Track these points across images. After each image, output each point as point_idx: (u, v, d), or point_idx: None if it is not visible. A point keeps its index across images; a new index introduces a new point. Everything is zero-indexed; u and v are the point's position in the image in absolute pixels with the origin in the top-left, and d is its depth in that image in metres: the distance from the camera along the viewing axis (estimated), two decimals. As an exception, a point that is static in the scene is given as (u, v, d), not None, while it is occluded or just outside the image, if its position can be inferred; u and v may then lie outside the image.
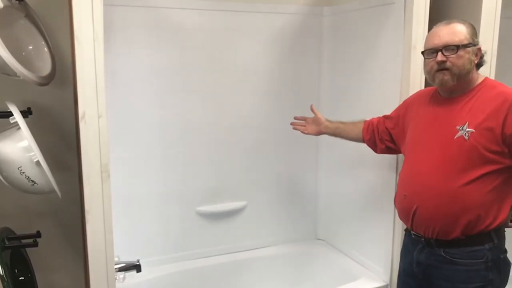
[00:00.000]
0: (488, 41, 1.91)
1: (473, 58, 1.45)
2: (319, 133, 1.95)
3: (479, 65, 1.49)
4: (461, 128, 1.43)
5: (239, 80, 2.25)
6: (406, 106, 1.73)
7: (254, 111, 2.31)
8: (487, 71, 1.93)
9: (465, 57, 1.43)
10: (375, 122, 1.85)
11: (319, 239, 2.59)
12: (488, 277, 1.45)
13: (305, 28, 2.33)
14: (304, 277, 2.47)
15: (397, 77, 1.90)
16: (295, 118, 1.98)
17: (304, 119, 1.97)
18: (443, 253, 1.49)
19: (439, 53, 1.43)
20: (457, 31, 1.43)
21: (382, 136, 1.80)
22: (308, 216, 2.56)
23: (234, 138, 2.29)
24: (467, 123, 1.42)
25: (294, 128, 1.99)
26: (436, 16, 1.85)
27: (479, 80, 1.49)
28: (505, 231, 1.51)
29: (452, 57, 1.42)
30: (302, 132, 1.97)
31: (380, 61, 2.03)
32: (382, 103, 1.99)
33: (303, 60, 2.37)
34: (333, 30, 2.33)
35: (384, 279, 2.06)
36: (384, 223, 2.03)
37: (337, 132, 1.92)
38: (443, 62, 1.43)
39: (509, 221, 1.49)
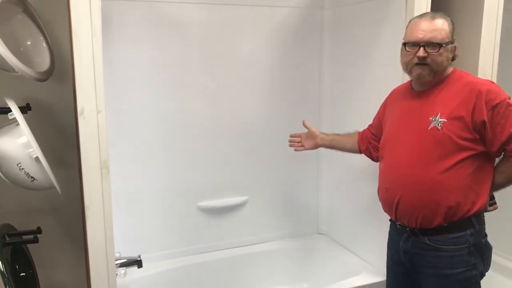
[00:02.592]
0: (491, 33, 1.89)
1: (450, 55, 1.51)
2: (315, 146, 1.97)
3: (452, 59, 1.54)
4: (433, 119, 1.48)
5: (240, 75, 2.24)
6: (384, 107, 1.79)
7: (254, 105, 2.30)
8: (490, 63, 1.92)
9: (444, 55, 1.48)
10: (366, 131, 1.89)
11: (320, 233, 2.59)
12: (471, 261, 1.50)
13: (306, 21, 2.32)
14: (305, 271, 2.47)
15: (398, 70, 1.87)
16: (290, 136, 2.00)
17: (299, 135, 1.99)
18: (427, 241, 1.54)
19: (421, 49, 1.47)
20: (440, 28, 1.47)
21: (374, 144, 1.85)
22: (310, 210, 2.56)
23: (235, 132, 2.28)
24: (439, 113, 1.48)
25: (290, 146, 2.00)
26: (438, 8, 1.83)
27: (449, 72, 1.54)
28: (484, 216, 1.56)
29: (434, 54, 1.47)
30: (297, 149, 1.98)
31: (381, 54, 2.01)
32: (384, 96, 1.98)
33: (304, 54, 2.36)
34: (334, 23, 2.32)
35: (384, 274, 2.05)
36: (385, 218, 2.02)
37: (333, 144, 1.95)
38: (424, 57, 1.47)
39: (487, 205, 1.55)
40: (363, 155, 1.92)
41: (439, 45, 1.46)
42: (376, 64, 2.05)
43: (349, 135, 1.95)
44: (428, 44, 1.46)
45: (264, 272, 2.40)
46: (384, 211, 1.69)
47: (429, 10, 1.81)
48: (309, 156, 2.48)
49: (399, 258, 1.66)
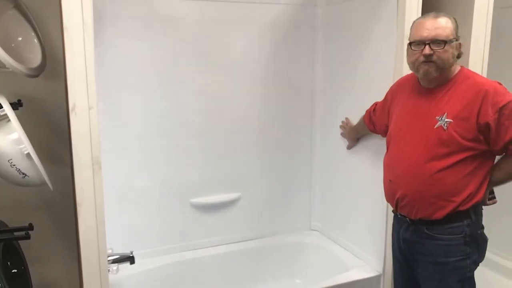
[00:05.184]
0: (481, 31, 1.91)
1: (456, 52, 1.54)
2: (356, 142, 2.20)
3: (457, 57, 1.57)
4: (440, 119, 1.53)
5: (232, 72, 2.24)
6: (392, 92, 1.81)
7: (247, 103, 2.30)
8: (480, 60, 1.94)
9: (449, 52, 1.51)
10: (372, 109, 1.97)
11: (313, 229, 2.60)
12: (466, 251, 1.57)
13: (298, 19, 2.32)
14: (298, 267, 2.48)
15: (390, 68, 1.90)
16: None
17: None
18: (426, 230, 1.60)
19: (427, 46, 1.50)
20: (444, 26, 1.50)
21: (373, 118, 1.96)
22: (302, 207, 2.57)
23: (227, 129, 2.28)
24: (446, 113, 1.52)
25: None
26: (429, 6, 1.85)
27: (456, 71, 1.57)
28: (482, 209, 1.62)
29: (439, 51, 1.49)
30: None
31: (373, 52, 2.02)
32: (376, 93, 1.99)
33: (297, 51, 2.36)
34: (327, 21, 2.32)
35: (377, 269, 2.07)
36: (377, 214, 2.04)
37: (359, 136, 2.16)
38: (430, 55, 1.50)
39: (486, 199, 1.61)
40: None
41: (444, 42, 1.48)
42: (369, 61, 2.06)
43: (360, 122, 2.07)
44: (433, 41, 1.49)
45: (256, 268, 2.41)
46: (387, 200, 1.75)
47: (420, 7, 1.82)
48: (301, 153, 2.49)
49: (400, 246, 1.72)
